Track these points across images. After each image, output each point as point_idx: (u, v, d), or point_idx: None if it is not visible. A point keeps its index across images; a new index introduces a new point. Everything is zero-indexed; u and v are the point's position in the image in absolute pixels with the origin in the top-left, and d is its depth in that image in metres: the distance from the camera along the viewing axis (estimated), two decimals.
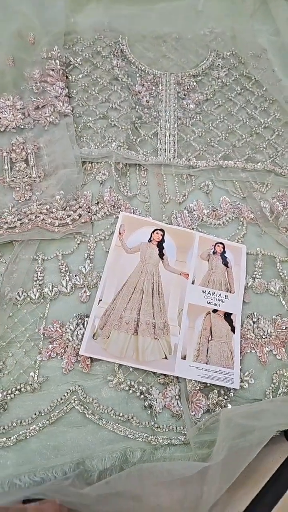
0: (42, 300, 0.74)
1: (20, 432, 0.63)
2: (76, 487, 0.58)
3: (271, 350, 0.74)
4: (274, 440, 0.65)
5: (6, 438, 0.63)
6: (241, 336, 0.74)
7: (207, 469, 0.59)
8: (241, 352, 0.73)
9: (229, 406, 0.68)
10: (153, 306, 0.75)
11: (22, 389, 0.66)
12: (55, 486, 0.58)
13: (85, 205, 0.83)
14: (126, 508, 0.61)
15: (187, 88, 1.05)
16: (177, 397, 0.68)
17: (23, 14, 1.06)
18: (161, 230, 0.82)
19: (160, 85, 1.05)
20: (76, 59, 1.06)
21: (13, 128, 0.91)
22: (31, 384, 0.66)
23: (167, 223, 0.84)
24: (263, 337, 0.75)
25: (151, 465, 0.62)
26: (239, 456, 0.61)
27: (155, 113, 1.00)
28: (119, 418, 0.65)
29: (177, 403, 0.68)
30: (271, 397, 0.69)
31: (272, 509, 0.64)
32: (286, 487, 0.65)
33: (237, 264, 0.81)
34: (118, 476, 0.60)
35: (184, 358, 0.71)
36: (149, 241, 0.81)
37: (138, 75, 1.07)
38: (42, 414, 0.65)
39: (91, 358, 0.69)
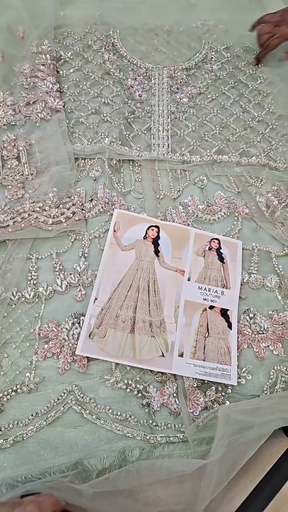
0: (37, 300, 0.74)
1: (17, 434, 0.62)
2: (74, 484, 0.58)
3: (268, 346, 0.74)
4: (272, 434, 0.65)
5: (3, 440, 0.62)
6: (238, 332, 0.74)
7: (205, 465, 0.59)
8: (238, 348, 0.73)
9: (227, 402, 0.68)
10: (149, 304, 0.74)
11: (19, 390, 0.66)
12: (54, 483, 0.58)
13: (78, 202, 0.82)
14: (124, 505, 0.61)
15: (180, 82, 1.04)
16: (174, 394, 0.68)
17: (12, 8, 1.04)
18: (156, 226, 0.82)
19: (152, 79, 1.04)
20: (67, 53, 1.04)
21: (4, 124, 0.90)
22: (27, 385, 0.66)
23: (162, 219, 0.84)
24: (260, 332, 0.74)
25: (150, 463, 0.62)
26: (238, 452, 0.61)
27: (148, 108, 0.99)
28: (117, 417, 0.65)
29: (175, 401, 0.67)
30: (269, 393, 0.69)
31: (270, 502, 0.64)
32: (284, 480, 0.65)
33: (233, 259, 0.81)
34: (117, 473, 0.60)
35: (181, 355, 0.71)
36: (144, 238, 0.81)
37: (130, 69, 1.06)
38: (39, 415, 0.64)
39: (87, 357, 0.69)
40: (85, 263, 0.77)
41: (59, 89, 0.97)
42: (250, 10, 1.19)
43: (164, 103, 1.00)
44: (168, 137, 0.95)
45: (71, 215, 0.80)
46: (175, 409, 0.67)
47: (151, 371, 0.70)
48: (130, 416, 0.66)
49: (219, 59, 1.10)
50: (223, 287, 0.78)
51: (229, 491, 0.68)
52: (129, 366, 0.69)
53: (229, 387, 0.69)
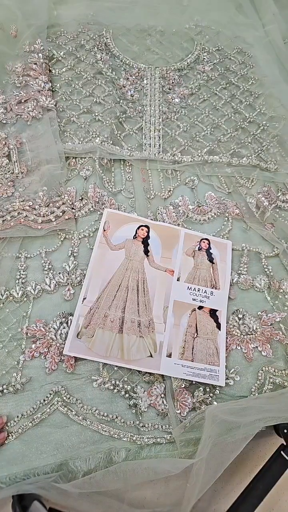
0: (25, 299, 0.73)
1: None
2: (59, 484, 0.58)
3: (257, 347, 0.74)
4: (260, 435, 0.65)
5: None
6: (226, 333, 0.74)
7: (191, 465, 0.59)
8: (226, 349, 0.73)
9: (215, 403, 0.68)
10: (138, 304, 0.74)
11: (5, 390, 0.65)
12: (40, 483, 0.57)
13: (68, 201, 0.82)
14: (109, 506, 0.61)
15: (172, 82, 1.04)
16: (162, 395, 0.68)
17: (5, 6, 1.04)
18: (146, 226, 0.81)
19: (144, 79, 1.04)
20: (59, 52, 1.04)
21: None
22: (13, 385, 0.65)
23: (152, 219, 0.84)
24: (249, 333, 0.74)
25: (136, 464, 0.62)
26: (224, 452, 0.61)
27: (139, 108, 0.99)
28: (104, 418, 0.65)
29: (163, 402, 0.67)
30: (257, 394, 0.69)
31: (261, 501, 0.63)
32: (274, 481, 0.65)
33: (223, 260, 0.81)
34: (103, 474, 0.59)
35: (169, 356, 0.70)
36: (134, 238, 0.80)
37: (122, 69, 1.06)
38: (25, 416, 0.63)
39: (75, 357, 0.68)
40: (74, 262, 0.77)
41: (51, 88, 0.96)
42: (242, 12, 1.20)
43: (156, 103, 1.00)
44: (159, 137, 0.95)
45: (61, 214, 0.80)
46: (162, 410, 0.66)
47: (139, 371, 0.69)
48: (117, 417, 0.65)
49: (211, 60, 1.10)
50: (212, 288, 0.78)
51: (216, 493, 0.68)
52: (116, 366, 0.69)
53: (217, 388, 0.69)
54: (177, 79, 1.05)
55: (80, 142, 0.90)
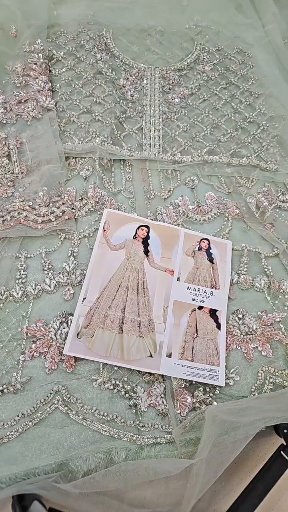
0: (25, 299, 0.73)
1: (3, 435, 0.62)
2: (59, 484, 0.58)
3: (257, 347, 0.74)
4: (260, 436, 0.65)
5: None
6: (226, 333, 0.74)
7: (191, 465, 0.59)
8: (226, 349, 0.73)
9: (215, 403, 0.68)
10: (138, 304, 0.74)
11: (5, 390, 0.65)
12: (40, 484, 0.57)
13: (68, 201, 0.82)
14: (109, 506, 0.61)
15: (172, 82, 1.04)
16: (162, 395, 0.68)
17: (5, 6, 1.04)
18: (146, 226, 0.81)
19: (144, 79, 1.04)
20: (59, 52, 1.04)
21: None
22: (13, 385, 0.65)
23: (152, 219, 0.84)
24: (249, 333, 0.74)
25: (136, 464, 0.61)
26: (224, 452, 0.61)
27: (139, 108, 0.99)
28: (104, 418, 0.65)
29: (163, 402, 0.67)
30: (257, 394, 0.69)
31: (261, 501, 0.63)
32: (274, 481, 0.65)
33: (223, 260, 0.81)
34: (103, 474, 0.59)
35: (169, 356, 0.70)
36: (134, 238, 0.80)
37: (122, 69, 1.06)
38: (25, 416, 0.63)
39: (75, 357, 0.68)
40: (74, 262, 0.77)
41: (51, 88, 0.96)
42: (242, 12, 1.20)
43: (156, 103, 1.00)
44: (159, 137, 0.95)
45: (61, 214, 0.80)
46: (162, 409, 0.66)
47: (139, 371, 0.69)
48: (117, 417, 0.65)
49: (211, 60, 1.10)
50: (212, 288, 0.78)
51: (216, 493, 0.68)
52: (116, 366, 0.69)
53: (217, 388, 0.69)
54: (177, 79, 1.05)
55: (80, 142, 0.90)
